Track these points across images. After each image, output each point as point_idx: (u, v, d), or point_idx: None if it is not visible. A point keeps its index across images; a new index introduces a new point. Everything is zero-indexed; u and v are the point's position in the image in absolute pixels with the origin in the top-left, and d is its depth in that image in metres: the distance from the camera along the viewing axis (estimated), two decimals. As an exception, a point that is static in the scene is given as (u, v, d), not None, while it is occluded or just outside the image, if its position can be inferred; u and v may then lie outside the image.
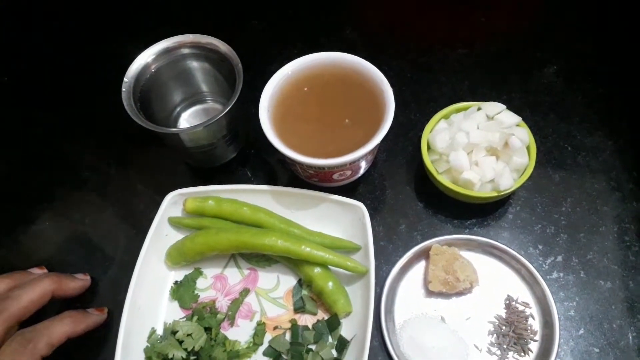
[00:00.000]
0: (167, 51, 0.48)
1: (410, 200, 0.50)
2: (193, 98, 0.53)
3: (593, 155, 0.51)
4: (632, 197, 0.49)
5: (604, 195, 0.49)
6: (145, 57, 0.48)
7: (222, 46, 0.47)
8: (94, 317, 0.43)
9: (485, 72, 0.56)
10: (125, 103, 0.46)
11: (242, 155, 0.53)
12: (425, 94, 0.55)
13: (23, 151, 0.56)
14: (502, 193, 0.45)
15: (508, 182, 0.45)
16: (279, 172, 0.52)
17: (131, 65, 0.47)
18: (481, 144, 0.46)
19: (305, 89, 0.48)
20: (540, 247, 0.47)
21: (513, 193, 0.48)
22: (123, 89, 0.47)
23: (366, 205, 0.46)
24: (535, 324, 0.43)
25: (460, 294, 0.45)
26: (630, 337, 0.43)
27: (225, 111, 0.44)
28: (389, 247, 0.48)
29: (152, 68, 0.49)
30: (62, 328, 0.40)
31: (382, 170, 0.52)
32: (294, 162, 0.45)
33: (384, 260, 0.47)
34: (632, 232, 0.47)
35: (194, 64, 0.50)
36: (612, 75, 0.55)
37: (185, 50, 0.48)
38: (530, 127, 0.47)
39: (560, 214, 0.48)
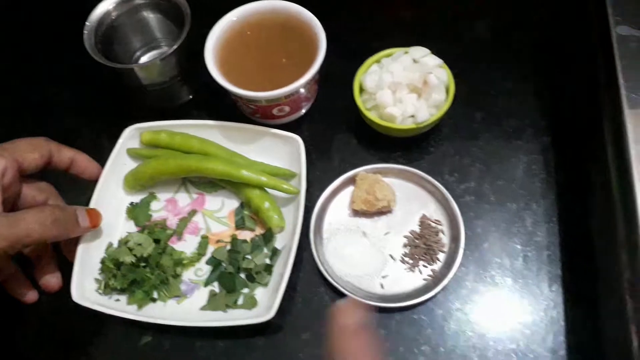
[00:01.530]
0: (123, 2, 0.56)
1: (346, 137, 0.58)
2: (150, 45, 0.60)
3: (513, 98, 0.58)
4: (543, 132, 0.56)
5: (519, 132, 0.56)
6: (106, 5, 0.56)
7: (172, -6, 0.54)
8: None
9: (421, 23, 0.63)
10: (86, 44, 0.54)
11: (197, 98, 0.61)
12: (366, 44, 0.62)
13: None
14: (420, 125, 0.53)
15: (425, 115, 0.52)
16: (229, 114, 0.59)
17: (93, 11, 0.55)
18: (403, 82, 0.54)
19: (248, 32, 0.55)
20: (456, 175, 0.54)
21: (434, 127, 0.55)
22: (85, 31, 0.54)
23: (306, 141, 0.53)
24: (445, 238, 0.51)
25: (381, 213, 0.53)
26: (528, 251, 0.50)
27: (173, 49, 0.52)
28: (324, 176, 0.55)
29: (113, 16, 0.56)
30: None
31: (323, 111, 0.59)
32: (236, 97, 0.53)
33: (319, 187, 0.54)
34: (540, 161, 0.54)
35: (149, 13, 0.57)
36: (537, 26, 0.62)
37: (139, 1, 0.56)
38: (457, 73, 0.54)
39: (477, 147, 0.56)
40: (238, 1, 0.55)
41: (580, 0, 0.55)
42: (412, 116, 0.53)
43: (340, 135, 0.58)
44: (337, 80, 0.58)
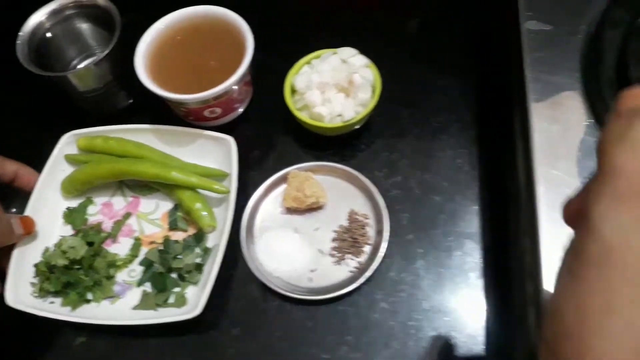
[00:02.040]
0: (55, 12, 0.58)
1: (281, 137, 0.60)
2: (86, 53, 0.62)
3: (441, 94, 0.60)
4: (469, 127, 0.58)
5: (445, 127, 0.58)
6: (39, 17, 0.58)
7: (101, 1, 0.56)
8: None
9: (353, 23, 0.66)
10: (19, 55, 0.55)
11: (137, 102, 0.63)
12: (301, 46, 0.64)
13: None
14: (347, 123, 0.55)
15: (351, 114, 0.55)
16: (168, 118, 0.61)
17: (25, 23, 0.57)
18: (331, 82, 0.56)
19: (178, 37, 0.57)
20: (385, 170, 0.56)
21: (365, 125, 0.57)
22: (18, 42, 0.56)
23: (242, 141, 0.55)
24: (371, 230, 0.53)
25: (312, 209, 0.54)
26: (449, 241, 0.52)
27: (103, 55, 0.54)
28: (259, 175, 0.57)
29: (46, 26, 0.58)
30: None
31: (259, 112, 0.61)
32: (165, 101, 0.55)
33: (252, 185, 0.56)
34: (465, 155, 0.56)
35: (82, 22, 0.59)
36: (464, 25, 0.64)
37: (70, 11, 0.58)
38: (387, 71, 0.56)
39: (405, 143, 0.58)
40: (172, 3, 0.57)
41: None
42: (341, 115, 0.55)
43: (275, 135, 0.60)
44: (273, 81, 0.60)
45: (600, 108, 0.45)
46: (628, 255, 0.18)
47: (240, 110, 0.60)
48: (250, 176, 0.57)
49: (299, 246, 0.53)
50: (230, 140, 0.55)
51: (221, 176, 0.55)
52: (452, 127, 0.58)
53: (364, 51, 0.57)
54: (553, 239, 0.40)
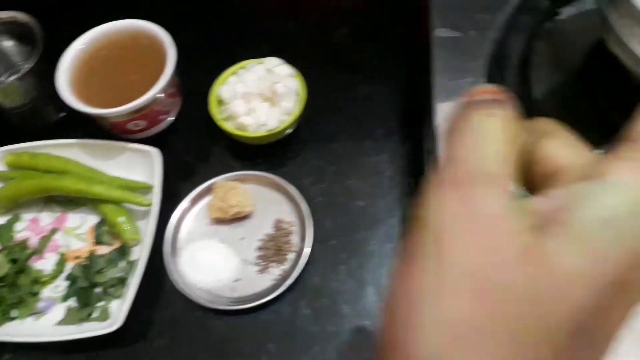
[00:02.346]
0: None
1: (210, 147, 0.60)
2: (12, 70, 0.62)
3: (367, 101, 0.62)
4: (393, 132, 0.59)
5: (371, 132, 0.59)
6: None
7: (22, 17, 0.57)
8: None
9: (283, 33, 0.67)
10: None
11: (68, 117, 0.63)
12: (231, 56, 0.65)
13: None
14: (271, 133, 0.55)
15: (275, 123, 0.56)
16: (99, 132, 0.61)
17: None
18: (255, 92, 0.57)
19: (102, 52, 0.58)
20: (311, 177, 0.57)
21: (294, 133, 0.58)
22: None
23: (170, 152, 0.56)
24: (295, 238, 0.54)
25: (238, 219, 0.55)
26: (371, 244, 0.53)
27: (27, 70, 0.55)
28: (186, 186, 0.57)
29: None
30: None
31: (188, 122, 0.62)
32: (88, 115, 0.55)
33: (180, 196, 0.56)
34: (387, 161, 0.57)
35: (5, 40, 0.59)
36: (389, 34, 0.66)
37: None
38: (316, 79, 0.57)
39: (332, 150, 0.59)
40: (96, 17, 0.58)
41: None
42: (265, 124, 0.56)
43: (204, 145, 0.61)
44: (203, 91, 0.60)
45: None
46: (445, 241, 0.18)
47: (170, 120, 0.60)
48: (179, 187, 0.57)
49: (223, 257, 0.53)
50: (154, 152, 0.55)
51: (146, 188, 0.55)
52: (376, 132, 0.59)
53: (291, 60, 0.58)
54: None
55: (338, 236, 0.54)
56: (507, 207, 0.18)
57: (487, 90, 0.23)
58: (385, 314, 0.19)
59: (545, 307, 0.17)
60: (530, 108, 0.45)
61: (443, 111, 0.46)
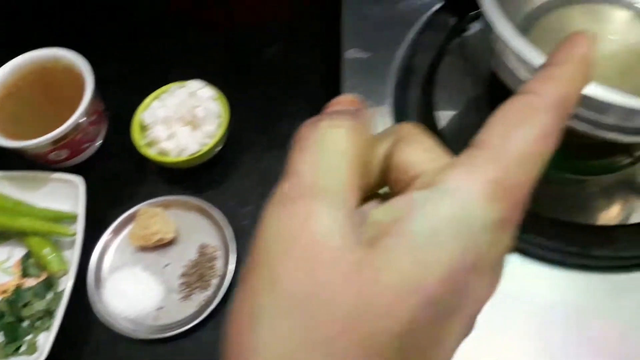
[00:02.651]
0: None
1: (135, 173, 0.60)
2: None
3: (296, 121, 0.62)
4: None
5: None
6: None
7: None
8: None
9: (208, 55, 0.67)
10: None
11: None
12: (157, 81, 0.64)
13: None
14: (192, 157, 0.56)
15: (195, 147, 0.56)
16: (28, 164, 0.61)
17: None
18: (176, 117, 0.57)
19: (21, 83, 0.58)
20: (237, 200, 0.58)
21: (220, 155, 0.58)
22: None
23: (96, 180, 0.57)
24: (219, 263, 0.54)
25: (162, 246, 0.55)
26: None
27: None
28: (112, 213, 0.58)
29: None
30: None
31: (114, 149, 0.62)
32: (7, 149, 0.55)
33: (106, 224, 0.57)
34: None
35: None
36: (316, 53, 0.66)
37: None
38: (240, 100, 0.58)
39: (258, 171, 0.59)
40: (16, 47, 0.58)
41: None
42: (186, 149, 0.56)
43: (130, 171, 0.61)
44: (128, 118, 0.61)
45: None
46: (276, 263, 0.17)
47: (95, 147, 0.60)
48: (105, 215, 0.57)
49: (147, 285, 0.54)
50: (78, 180, 0.56)
51: (72, 218, 0.56)
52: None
53: (218, 81, 0.58)
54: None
55: (262, 259, 0.54)
56: (340, 222, 0.18)
57: (342, 100, 0.23)
58: (228, 328, 0.19)
59: (373, 324, 0.16)
60: (432, 126, 0.46)
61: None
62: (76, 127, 0.55)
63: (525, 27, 0.45)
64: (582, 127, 0.34)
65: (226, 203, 0.57)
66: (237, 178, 0.59)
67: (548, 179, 0.44)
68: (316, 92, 0.63)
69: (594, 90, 0.30)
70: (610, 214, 0.43)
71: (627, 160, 0.47)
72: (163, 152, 0.56)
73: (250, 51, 0.66)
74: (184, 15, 0.70)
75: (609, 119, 0.33)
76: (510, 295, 0.38)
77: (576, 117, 0.34)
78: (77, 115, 0.54)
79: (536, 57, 0.31)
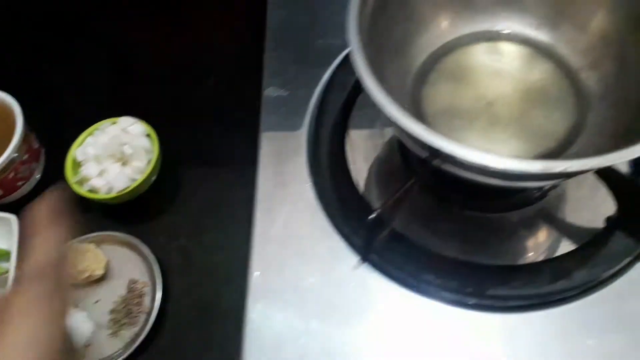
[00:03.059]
0: None
1: (69, 208, 0.62)
2: None
3: (229, 151, 0.63)
4: (252, 182, 0.61)
5: (230, 185, 0.61)
6: None
7: None
8: None
9: (144, 90, 0.68)
10: None
11: None
12: (94, 117, 0.65)
13: None
14: (121, 193, 0.57)
15: (124, 183, 0.57)
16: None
17: None
18: (105, 154, 0.58)
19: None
20: (167, 234, 0.59)
21: (153, 190, 0.59)
22: None
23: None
24: (147, 299, 0.55)
25: (93, 282, 0.57)
26: (224, 301, 0.55)
27: None
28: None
29: None
30: None
31: (50, 185, 0.63)
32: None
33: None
34: (246, 210, 0.59)
35: None
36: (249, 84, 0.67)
37: None
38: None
39: (190, 206, 0.60)
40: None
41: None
42: (116, 185, 0.57)
43: (66, 206, 0.62)
44: (64, 155, 0.62)
45: (316, 168, 0.48)
46: None
47: (31, 184, 0.61)
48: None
49: (76, 321, 0.55)
50: (11, 218, 0.57)
51: (4, 255, 0.57)
52: (237, 183, 0.61)
53: (152, 116, 0.59)
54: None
55: (190, 295, 0.55)
56: None
57: (39, 218, 0.27)
58: None
59: None
60: (344, 165, 0.47)
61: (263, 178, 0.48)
62: (7, 167, 0.56)
63: (430, 65, 0.46)
64: (466, 175, 0.36)
65: (157, 238, 0.58)
66: (168, 213, 0.60)
67: (452, 217, 0.46)
68: (250, 126, 0.64)
69: (462, 151, 0.31)
70: (509, 253, 0.44)
71: (537, 194, 0.48)
72: (94, 189, 0.57)
73: (184, 86, 0.68)
74: (119, 52, 0.72)
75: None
76: (410, 333, 0.40)
77: (462, 166, 0.35)
78: (7, 155, 0.55)
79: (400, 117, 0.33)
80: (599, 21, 0.43)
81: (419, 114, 0.44)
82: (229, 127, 0.64)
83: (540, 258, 0.44)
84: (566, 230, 0.45)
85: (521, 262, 0.43)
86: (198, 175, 0.62)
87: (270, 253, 0.45)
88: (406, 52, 0.43)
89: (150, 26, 0.72)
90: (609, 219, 0.44)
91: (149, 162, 0.58)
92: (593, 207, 0.46)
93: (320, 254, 0.45)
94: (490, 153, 0.31)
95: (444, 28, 0.45)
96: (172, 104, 0.66)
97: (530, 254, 0.44)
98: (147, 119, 0.60)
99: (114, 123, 0.60)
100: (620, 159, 0.30)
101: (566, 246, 0.44)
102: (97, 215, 0.61)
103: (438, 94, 0.44)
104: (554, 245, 0.44)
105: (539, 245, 0.45)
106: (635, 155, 0.31)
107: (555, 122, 0.43)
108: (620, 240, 0.42)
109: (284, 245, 0.46)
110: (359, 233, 0.44)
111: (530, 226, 0.46)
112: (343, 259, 0.45)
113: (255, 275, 0.45)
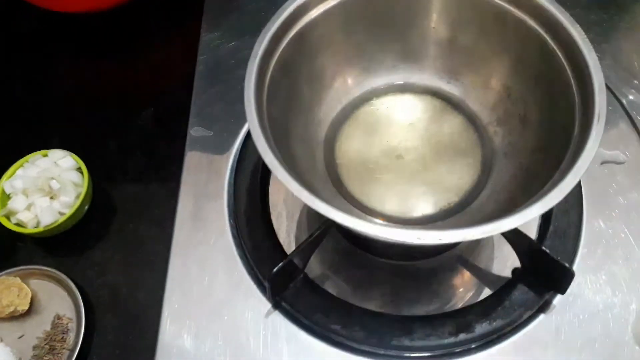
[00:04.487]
0: None
1: None
2: None
3: (159, 187, 0.64)
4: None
5: (161, 219, 0.62)
6: None
7: None
8: None
9: (81, 121, 0.69)
10: None
11: None
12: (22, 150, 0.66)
13: None
14: (48, 228, 0.58)
15: (49, 219, 0.58)
16: None
17: None
18: (33, 187, 0.59)
19: None
20: (96, 269, 0.60)
21: (84, 223, 0.60)
22: None
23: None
24: (72, 335, 0.56)
25: (19, 317, 0.57)
26: (147, 339, 0.56)
27: None
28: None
29: None
30: None
31: None
32: None
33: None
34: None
35: None
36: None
37: None
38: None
39: (120, 241, 0.61)
40: None
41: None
42: (42, 220, 0.58)
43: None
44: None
45: (235, 211, 0.49)
46: None
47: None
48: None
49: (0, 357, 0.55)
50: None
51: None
52: (167, 219, 0.62)
53: (85, 149, 0.61)
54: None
55: (115, 332, 0.56)
56: None
57: None
58: None
59: None
60: (263, 211, 0.49)
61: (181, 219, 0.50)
62: None
63: (345, 115, 0.48)
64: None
65: (85, 273, 0.59)
66: (98, 247, 0.61)
67: (366, 265, 0.47)
68: (179, 163, 0.65)
69: (337, 216, 0.33)
70: (417, 303, 0.46)
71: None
72: (21, 223, 0.58)
73: (121, 119, 0.69)
74: (55, 83, 0.73)
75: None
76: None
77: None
78: None
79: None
80: (502, 79, 0.45)
81: (331, 164, 0.46)
82: (160, 164, 0.65)
83: (447, 308, 0.45)
84: (476, 279, 0.47)
85: (427, 312, 0.45)
86: (129, 210, 0.63)
87: (183, 295, 0.47)
88: (316, 106, 0.45)
89: (91, 58, 0.73)
90: (514, 272, 0.46)
91: (77, 196, 0.59)
92: (503, 258, 0.48)
93: (232, 298, 0.47)
94: (366, 220, 0.33)
95: (351, 84, 0.47)
96: (107, 137, 0.67)
97: (436, 305, 0.46)
98: (81, 151, 0.61)
99: (45, 155, 0.61)
100: (490, 232, 0.32)
101: (473, 296, 0.46)
102: (28, 247, 0.61)
103: (351, 145, 0.46)
104: (462, 295, 0.46)
105: (447, 294, 0.47)
106: (506, 229, 0.33)
107: (461, 177, 0.45)
108: (522, 295, 0.44)
109: (197, 289, 0.47)
110: (270, 279, 0.45)
111: (441, 275, 0.48)
112: (255, 304, 0.46)
113: (165, 317, 0.46)
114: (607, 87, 0.48)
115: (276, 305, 0.46)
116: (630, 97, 0.53)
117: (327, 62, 0.45)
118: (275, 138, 0.38)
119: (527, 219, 0.33)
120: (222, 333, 0.45)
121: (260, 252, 0.47)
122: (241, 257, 0.48)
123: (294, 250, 0.43)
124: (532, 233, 0.49)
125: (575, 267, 0.46)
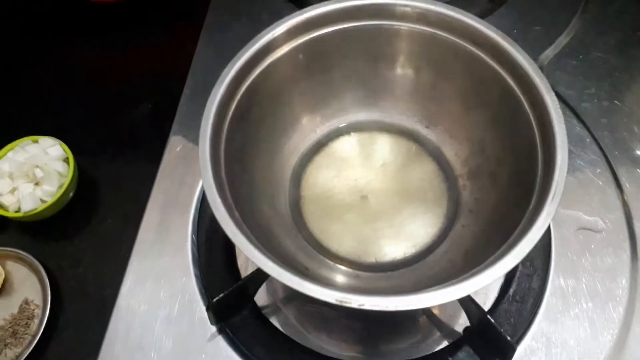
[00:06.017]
0: None
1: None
2: None
3: (147, 185, 0.65)
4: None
5: (138, 214, 0.63)
6: None
7: None
8: None
9: (77, 110, 0.71)
10: None
11: None
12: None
13: None
14: (27, 214, 0.60)
15: (30, 205, 0.60)
16: None
17: None
18: (19, 172, 0.61)
19: None
20: (70, 259, 0.62)
21: (56, 213, 0.62)
22: None
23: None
24: (36, 322, 0.58)
25: (-10, 298, 0.60)
26: (107, 338, 0.57)
27: None
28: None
29: None
30: None
31: None
32: None
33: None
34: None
35: None
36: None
37: None
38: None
39: (98, 234, 0.63)
40: None
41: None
42: (23, 205, 0.60)
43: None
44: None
45: (199, 228, 0.49)
46: None
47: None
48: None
49: (-35, 334, 0.58)
50: None
51: None
52: (147, 218, 0.63)
53: (77, 139, 0.62)
54: None
55: (79, 325, 0.58)
56: None
57: None
58: None
59: None
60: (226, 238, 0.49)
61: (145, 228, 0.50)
62: None
63: (314, 151, 0.48)
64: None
65: (60, 262, 0.61)
66: (76, 238, 0.63)
67: (312, 299, 0.47)
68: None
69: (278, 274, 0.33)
70: (364, 350, 0.46)
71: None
72: (3, 206, 0.60)
73: (116, 111, 0.70)
74: (59, 69, 0.74)
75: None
76: None
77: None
78: None
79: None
80: (479, 133, 0.44)
81: (295, 197, 0.45)
82: (149, 161, 0.66)
83: (391, 358, 0.45)
84: (435, 328, 0.46)
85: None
86: (111, 205, 0.65)
87: (133, 306, 0.48)
88: (284, 136, 0.45)
89: (92, 47, 0.75)
90: (465, 330, 0.45)
91: (60, 186, 0.61)
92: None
93: (181, 317, 0.47)
94: (296, 274, 0.33)
95: (329, 115, 0.46)
96: (101, 128, 0.69)
97: (384, 352, 0.45)
98: (71, 140, 0.63)
99: (36, 142, 0.63)
100: (417, 305, 0.32)
101: (423, 348, 0.45)
102: (12, 230, 0.64)
103: (317, 179, 0.46)
104: (414, 344, 0.46)
105: (398, 343, 0.46)
106: (445, 301, 0.32)
107: (424, 226, 0.44)
108: (466, 357, 0.43)
109: (149, 301, 0.48)
110: (211, 306, 0.45)
111: (400, 319, 0.47)
112: (202, 326, 0.47)
113: (113, 325, 0.47)
114: (600, 149, 0.47)
115: (220, 331, 0.46)
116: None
117: (296, 102, 0.44)
118: (236, 171, 0.38)
119: (460, 296, 0.32)
120: (165, 350, 0.46)
121: (214, 275, 0.48)
122: (196, 276, 0.49)
123: (244, 278, 0.44)
124: (494, 291, 0.48)
125: (529, 334, 0.45)
